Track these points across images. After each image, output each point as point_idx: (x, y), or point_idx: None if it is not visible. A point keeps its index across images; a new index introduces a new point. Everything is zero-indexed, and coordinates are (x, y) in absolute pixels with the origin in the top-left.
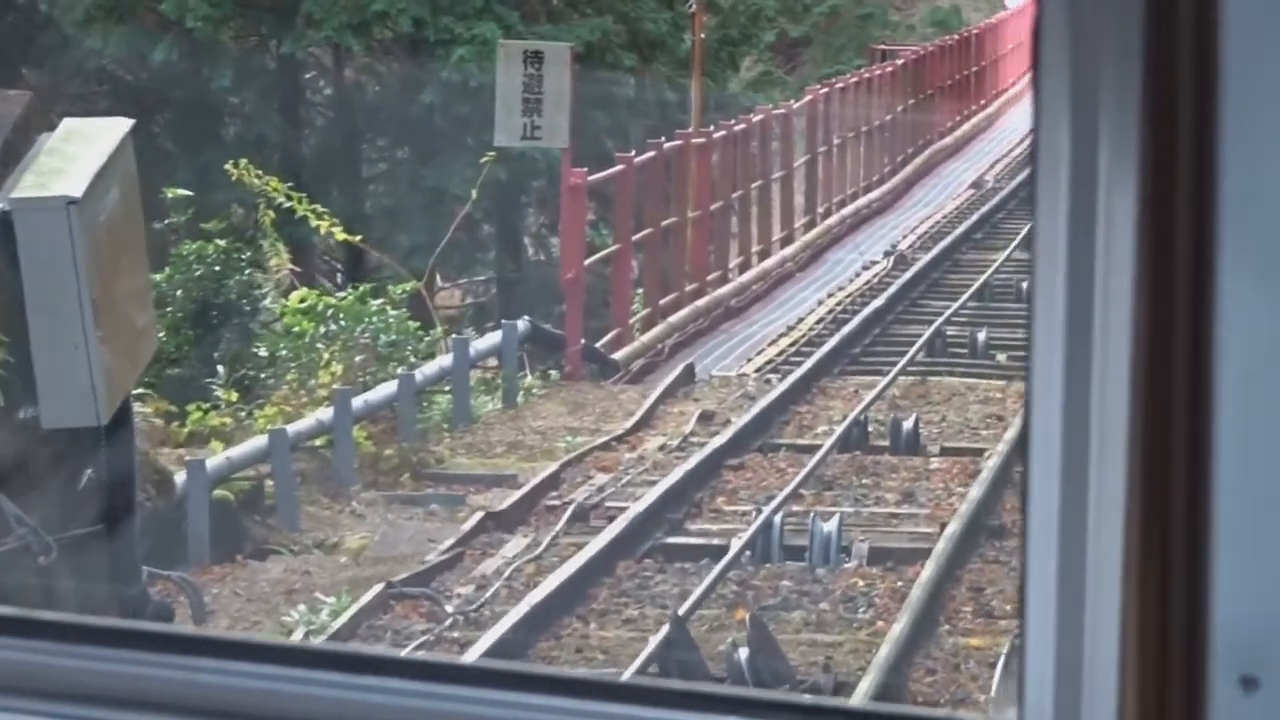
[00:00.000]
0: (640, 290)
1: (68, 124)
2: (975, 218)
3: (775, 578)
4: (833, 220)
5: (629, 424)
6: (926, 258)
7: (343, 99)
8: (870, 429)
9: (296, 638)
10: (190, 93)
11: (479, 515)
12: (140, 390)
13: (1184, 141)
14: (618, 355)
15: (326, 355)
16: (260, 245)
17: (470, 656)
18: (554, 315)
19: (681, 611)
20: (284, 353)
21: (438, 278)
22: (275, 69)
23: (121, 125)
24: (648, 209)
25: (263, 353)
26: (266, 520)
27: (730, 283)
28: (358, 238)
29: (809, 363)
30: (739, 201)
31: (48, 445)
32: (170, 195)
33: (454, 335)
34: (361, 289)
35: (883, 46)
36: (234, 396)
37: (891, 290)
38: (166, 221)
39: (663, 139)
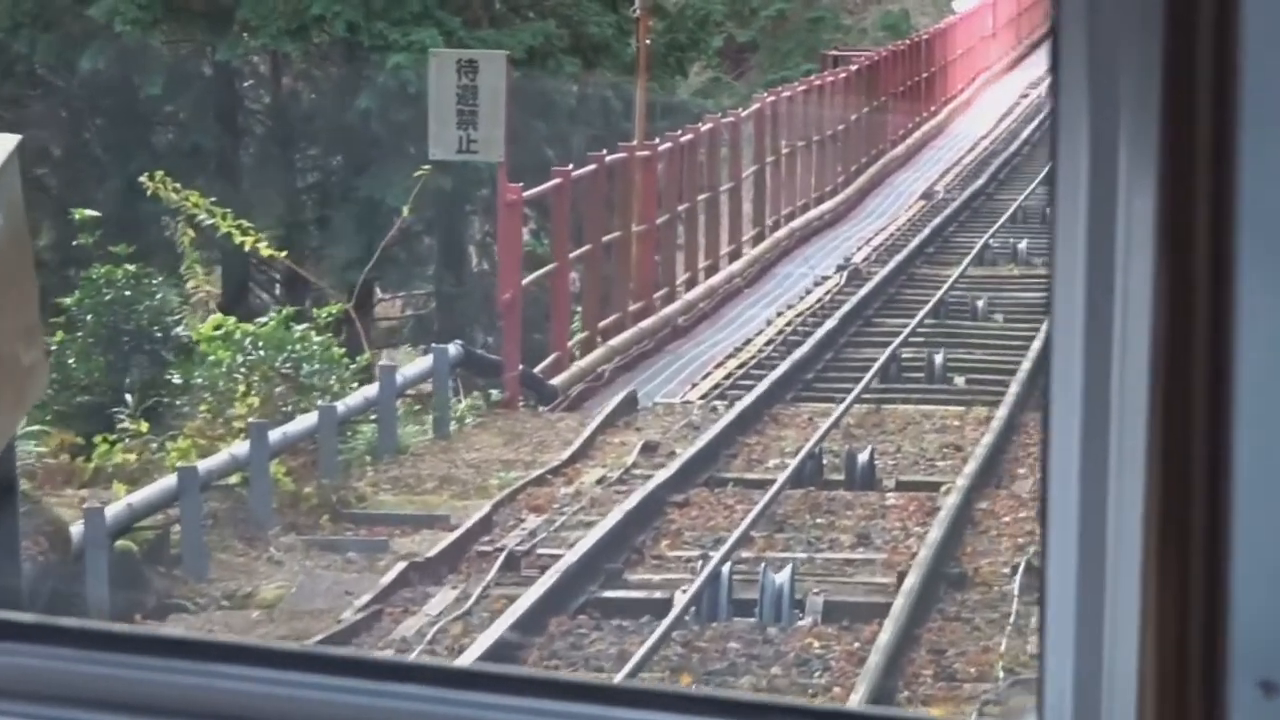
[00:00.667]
0: (580, 310)
1: None
2: (928, 231)
3: (722, 638)
4: (782, 233)
5: (566, 455)
6: (880, 273)
7: (280, 106)
8: (825, 461)
9: None
10: (121, 100)
11: (402, 566)
12: (37, 428)
13: (1203, 146)
14: (556, 380)
15: (243, 387)
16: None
17: None
18: (497, 329)
19: (620, 677)
20: (199, 380)
21: (378, 289)
22: (211, 76)
23: (5, 143)
24: (589, 224)
25: (176, 379)
26: (173, 571)
27: (676, 301)
28: (283, 254)
29: (759, 389)
30: (685, 215)
31: None
32: (78, 217)
33: (379, 364)
34: (284, 313)
35: (834, 52)
36: (144, 428)
37: (845, 309)
38: (74, 243)
39: (604, 151)
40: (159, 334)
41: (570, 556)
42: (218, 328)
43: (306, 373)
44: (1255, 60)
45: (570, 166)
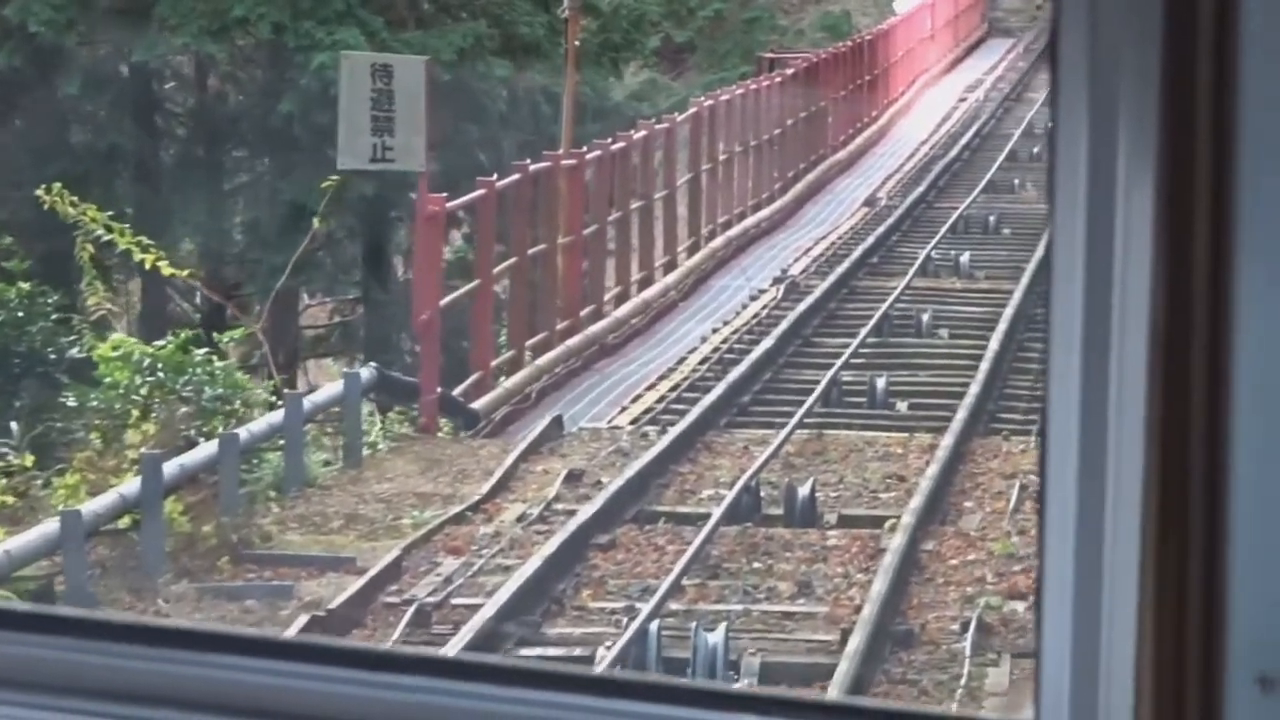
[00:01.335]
0: (506, 328)
1: None
2: (871, 240)
3: None
4: (719, 242)
5: (486, 488)
6: (821, 286)
7: (204, 108)
8: (762, 494)
9: None
10: (37, 100)
11: (304, 619)
12: None
13: (1202, 146)
14: (479, 403)
15: (136, 413)
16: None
17: None
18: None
19: None
20: (95, 402)
21: (305, 296)
22: (129, 76)
23: None
24: (514, 237)
25: (71, 402)
26: None
27: (606, 317)
28: (185, 272)
29: (692, 414)
30: (617, 225)
31: None
32: None
33: (286, 390)
34: (183, 335)
35: (771, 54)
36: (29, 461)
37: (783, 326)
38: None
39: (528, 160)
40: (53, 355)
41: (486, 610)
42: (116, 348)
43: (209, 396)
44: (1254, 63)
45: (495, 176)
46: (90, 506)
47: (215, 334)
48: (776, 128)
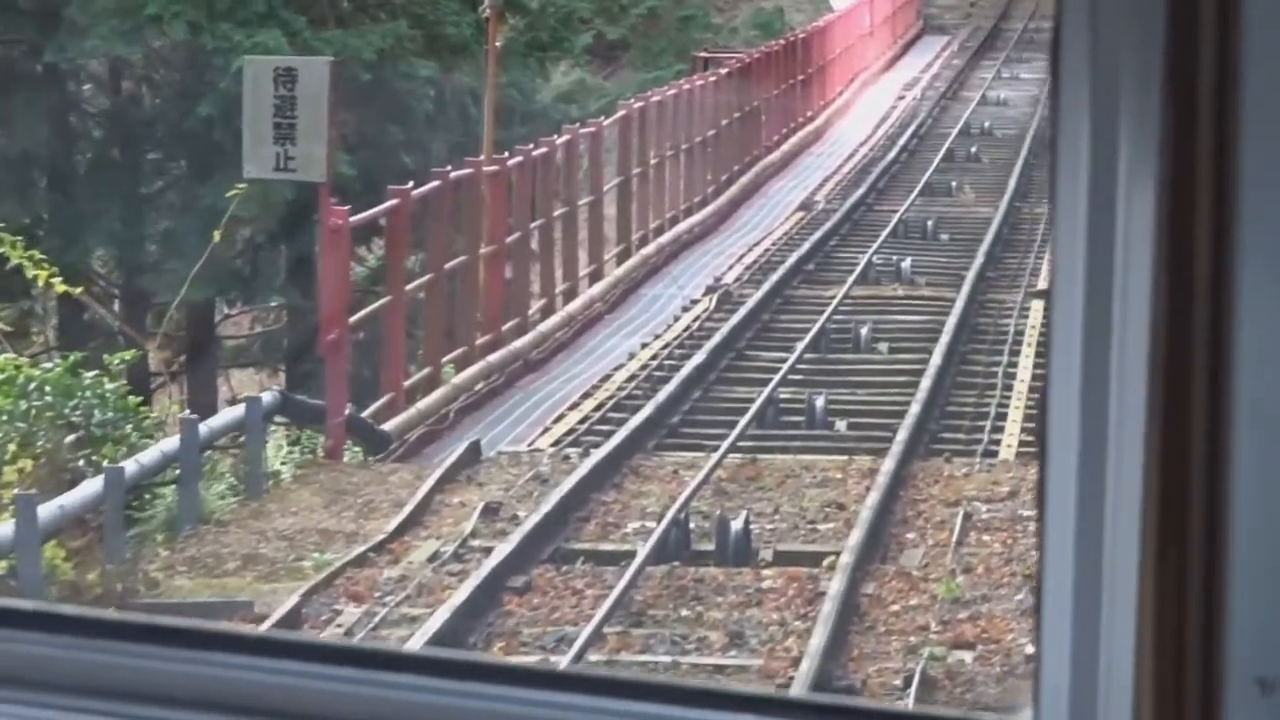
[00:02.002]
0: (422, 344)
1: None
2: (807, 246)
3: None
4: (650, 249)
5: (393, 525)
6: (755, 295)
7: (119, 111)
8: (692, 526)
9: None
10: None
11: None
12: None
13: (1204, 139)
14: (391, 424)
15: (15, 446)
16: None
17: None
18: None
19: None
20: None
21: (224, 306)
22: (41, 78)
23: None
24: (431, 248)
25: None
26: None
27: (530, 331)
28: (79, 290)
29: (618, 436)
30: (540, 233)
31: None
32: None
33: (182, 415)
34: (71, 358)
35: (705, 54)
36: None
37: (715, 340)
38: None
39: (448, 167)
40: None
41: None
42: (1, 370)
43: (98, 421)
44: (1257, 55)
45: (411, 184)
46: None
47: (106, 356)
48: (709, 129)
